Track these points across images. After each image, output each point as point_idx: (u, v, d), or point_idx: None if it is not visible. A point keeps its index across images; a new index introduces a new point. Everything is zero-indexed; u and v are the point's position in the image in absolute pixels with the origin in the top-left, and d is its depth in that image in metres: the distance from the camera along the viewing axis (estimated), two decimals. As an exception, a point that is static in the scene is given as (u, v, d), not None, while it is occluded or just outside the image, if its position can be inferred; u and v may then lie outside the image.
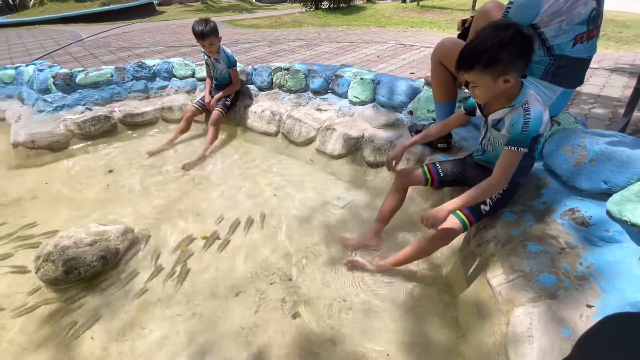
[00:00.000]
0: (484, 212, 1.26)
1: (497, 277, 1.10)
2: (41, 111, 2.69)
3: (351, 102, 2.37)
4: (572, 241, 1.10)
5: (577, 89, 1.55)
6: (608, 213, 1.08)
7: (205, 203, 1.91)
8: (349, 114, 2.33)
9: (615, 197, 1.08)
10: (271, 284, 1.40)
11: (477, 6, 7.86)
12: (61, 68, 2.98)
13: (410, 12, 8.52)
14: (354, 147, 2.08)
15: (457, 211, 1.24)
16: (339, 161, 2.14)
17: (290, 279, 1.42)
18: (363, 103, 2.31)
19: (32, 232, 1.75)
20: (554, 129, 1.47)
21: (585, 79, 1.62)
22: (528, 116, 1.06)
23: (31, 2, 11.03)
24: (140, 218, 1.81)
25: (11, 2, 12.54)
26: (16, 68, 3.21)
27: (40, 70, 2.87)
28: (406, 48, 4.80)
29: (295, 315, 1.26)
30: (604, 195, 1.14)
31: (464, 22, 1.80)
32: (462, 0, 9.65)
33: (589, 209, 1.13)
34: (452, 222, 1.23)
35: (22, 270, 1.53)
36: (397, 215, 1.54)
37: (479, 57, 1.01)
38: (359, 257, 1.46)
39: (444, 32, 6.13)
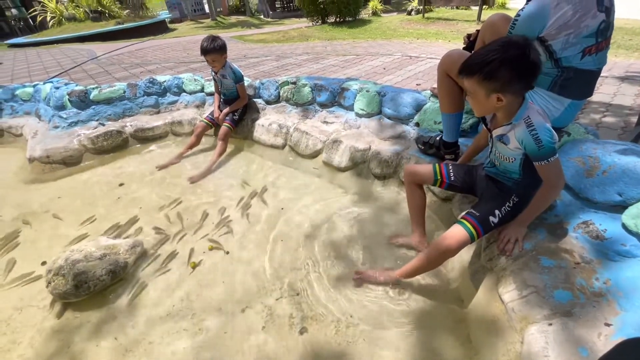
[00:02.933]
0: (492, 224, 1.23)
1: (509, 292, 1.07)
2: (56, 127, 2.77)
3: (357, 115, 2.38)
4: (586, 255, 1.07)
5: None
6: (624, 226, 1.04)
7: (212, 215, 1.92)
8: (355, 126, 2.34)
9: (631, 209, 1.05)
10: (278, 299, 1.39)
11: (483, 17, 7.92)
12: (76, 85, 3.09)
13: (416, 24, 8.61)
14: (360, 160, 2.08)
15: (464, 221, 1.23)
16: (345, 173, 2.14)
17: (297, 294, 1.40)
18: (369, 115, 2.32)
19: (45, 245, 1.79)
20: (563, 139, 1.45)
21: (595, 88, 1.59)
22: (534, 131, 1.05)
23: (50, 23, 11.51)
24: (149, 231, 1.83)
25: (32, 23, 13.12)
26: (34, 86, 3.33)
27: (57, 88, 2.98)
28: (412, 59, 4.83)
29: (303, 331, 1.24)
30: (618, 207, 1.11)
31: (469, 36, 1.81)
32: (468, 12, 9.73)
33: (603, 222, 1.10)
34: (458, 231, 1.21)
35: (33, 283, 1.55)
36: (403, 223, 1.53)
37: (481, 67, 1.00)
38: (367, 269, 1.44)
39: (450, 43, 6.16)
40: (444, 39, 6.58)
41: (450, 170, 1.42)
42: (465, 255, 1.47)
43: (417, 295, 1.35)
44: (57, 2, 11.67)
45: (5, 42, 10.85)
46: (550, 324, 0.91)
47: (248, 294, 1.42)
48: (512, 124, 1.11)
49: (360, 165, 2.10)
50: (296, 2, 9.97)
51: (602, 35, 1.22)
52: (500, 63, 0.97)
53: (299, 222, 1.82)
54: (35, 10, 12.02)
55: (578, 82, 1.30)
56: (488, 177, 1.34)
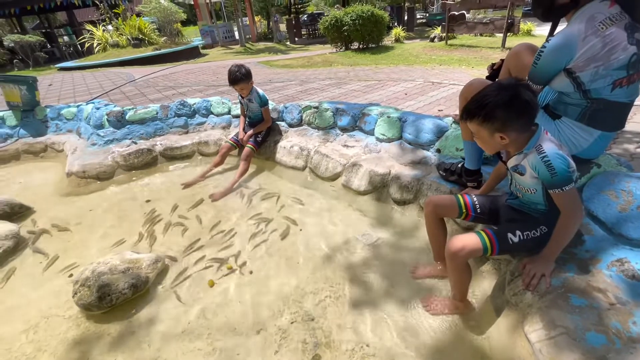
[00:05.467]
0: (510, 242, 1.19)
1: (536, 331, 1.01)
2: (94, 144, 2.97)
3: (378, 139, 2.40)
4: (622, 296, 1.00)
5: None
6: (663, 266, 0.97)
7: (232, 234, 1.96)
8: (375, 150, 2.35)
9: (670, 248, 0.98)
10: (292, 322, 1.37)
11: (507, 44, 7.91)
12: (115, 106, 3.32)
13: (439, 51, 8.72)
14: (380, 184, 2.08)
15: (480, 230, 1.22)
16: (364, 197, 2.14)
17: (312, 319, 1.38)
18: (390, 140, 2.34)
19: (75, 254, 1.87)
20: (593, 171, 1.39)
21: (629, 118, 1.54)
22: (546, 158, 1.04)
23: (96, 49, 12.59)
24: (171, 247, 1.89)
25: (80, 49, 14.38)
26: (78, 106, 3.62)
27: (97, 108, 3.22)
28: (434, 85, 4.86)
29: (316, 358, 1.22)
30: (656, 245, 1.04)
31: (493, 65, 1.82)
32: (491, 39, 9.76)
33: None
34: (472, 238, 1.19)
35: (60, 293, 1.62)
36: (423, 251, 1.49)
37: (478, 111, 1.06)
38: (433, 298, 1.39)
39: (473, 69, 6.17)
40: (467, 65, 6.60)
41: (476, 202, 1.38)
42: (488, 287, 1.41)
43: (437, 327, 1.29)
44: (103, 31, 12.79)
45: (56, 65, 11.91)
46: (582, 370, 0.85)
47: (263, 315, 1.42)
48: (524, 152, 1.11)
49: (380, 189, 2.10)
50: (321, 30, 10.38)
51: (634, 68, 1.19)
52: (495, 106, 1.03)
53: (316, 245, 1.82)
54: (84, 38, 13.21)
55: (608, 114, 1.26)
56: (512, 208, 1.30)
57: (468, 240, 1.19)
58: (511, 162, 1.18)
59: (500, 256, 1.44)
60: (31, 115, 3.63)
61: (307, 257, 1.73)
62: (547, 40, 1.24)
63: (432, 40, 10.55)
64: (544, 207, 1.18)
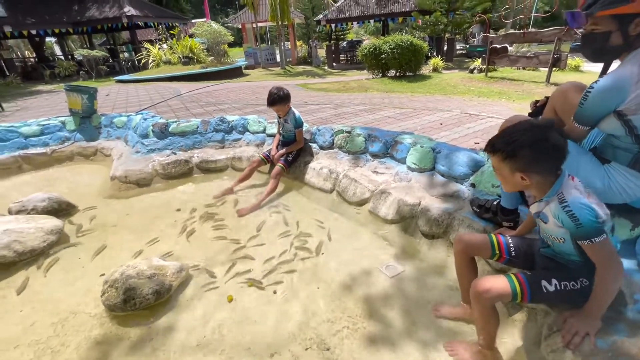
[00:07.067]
0: (544, 291, 1.09)
1: (576, 399, 0.90)
2: (138, 152, 3.19)
3: (409, 168, 2.36)
4: (682, 370, 0.87)
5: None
6: None
7: (254, 250, 1.97)
8: (405, 179, 2.31)
9: None
10: (307, 349, 1.33)
11: (552, 79, 7.63)
12: (160, 118, 3.57)
13: (478, 82, 8.58)
14: (408, 215, 2.02)
15: (512, 275, 1.13)
16: (391, 227, 2.08)
17: (327, 348, 1.33)
18: (421, 170, 2.29)
19: (108, 255, 1.97)
20: (649, 222, 1.27)
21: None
22: (567, 208, 0.99)
23: (150, 65, 13.81)
24: (196, 257, 1.93)
25: (137, 64, 15.82)
26: (128, 116, 3.93)
27: (145, 119, 3.47)
28: (471, 117, 4.75)
29: (328, 393, 1.16)
30: None
31: (536, 102, 1.75)
32: (535, 73, 9.47)
33: None
34: (500, 280, 1.12)
35: (90, 291, 1.69)
36: (449, 290, 1.40)
37: (503, 146, 1.03)
38: (457, 342, 1.30)
39: (514, 102, 5.98)
40: (507, 98, 6.42)
41: (510, 244, 1.29)
42: (520, 337, 1.29)
43: (461, 377, 1.19)
44: (159, 49, 14.03)
45: (115, 77, 13.13)
46: None
47: (278, 338, 1.39)
48: (545, 200, 1.06)
49: (408, 220, 2.04)
50: (359, 57, 10.65)
51: None
52: (521, 145, 0.99)
53: (338, 270, 1.78)
54: (141, 54, 14.56)
55: (665, 161, 1.16)
56: (546, 257, 1.21)
57: (496, 283, 1.12)
58: (533, 208, 1.13)
59: (535, 305, 1.32)
60: (88, 121, 3.98)
61: (327, 284, 1.69)
62: (596, 80, 1.18)
63: (472, 71, 10.43)
64: (578, 259, 1.08)
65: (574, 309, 1.11)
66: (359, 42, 16.25)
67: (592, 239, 0.97)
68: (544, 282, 1.10)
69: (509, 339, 1.30)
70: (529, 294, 1.09)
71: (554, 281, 1.09)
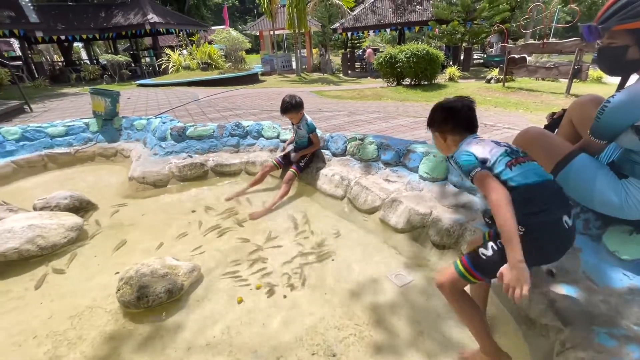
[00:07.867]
0: (483, 257, 1.09)
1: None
2: (156, 154, 3.29)
3: (421, 177, 2.35)
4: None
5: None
6: None
7: (265, 254, 2.00)
8: (417, 188, 2.30)
9: None
10: (313, 354, 1.34)
11: (572, 91, 7.45)
12: (178, 122, 3.68)
13: (495, 92, 8.46)
14: (419, 224, 2.01)
15: (457, 259, 1.17)
16: (401, 235, 2.08)
17: (334, 355, 1.34)
18: (434, 180, 2.28)
19: (124, 253, 2.04)
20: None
21: None
22: (453, 155, 1.21)
23: (170, 70, 14.26)
24: (207, 258, 1.97)
25: (157, 69, 16.36)
26: (147, 119, 4.06)
27: (164, 123, 3.59)
28: (487, 127, 4.68)
29: (332, 400, 1.16)
30: None
31: (553, 114, 1.74)
32: (554, 84, 9.27)
33: None
34: (448, 269, 1.16)
35: (107, 287, 1.75)
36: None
37: (428, 119, 1.31)
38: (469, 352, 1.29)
39: (531, 113, 5.86)
40: (524, 109, 6.31)
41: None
42: (530, 354, 1.26)
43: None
44: (179, 55, 14.47)
45: (136, 82, 13.61)
46: None
47: (285, 341, 1.41)
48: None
49: (419, 229, 2.03)
50: (374, 65, 10.69)
51: None
52: (434, 111, 1.30)
53: (346, 278, 1.78)
54: (162, 60, 15.05)
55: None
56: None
57: (445, 274, 1.16)
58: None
59: (549, 322, 1.29)
60: (109, 123, 4.14)
61: (335, 290, 1.70)
62: (613, 95, 1.16)
63: (489, 81, 10.29)
64: None
65: None
66: (375, 50, 16.31)
67: (470, 174, 1.08)
68: (481, 250, 1.11)
69: (521, 356, 1.27)
70: (472, 267, 1.10)
71: (490, 244, 1.10)
